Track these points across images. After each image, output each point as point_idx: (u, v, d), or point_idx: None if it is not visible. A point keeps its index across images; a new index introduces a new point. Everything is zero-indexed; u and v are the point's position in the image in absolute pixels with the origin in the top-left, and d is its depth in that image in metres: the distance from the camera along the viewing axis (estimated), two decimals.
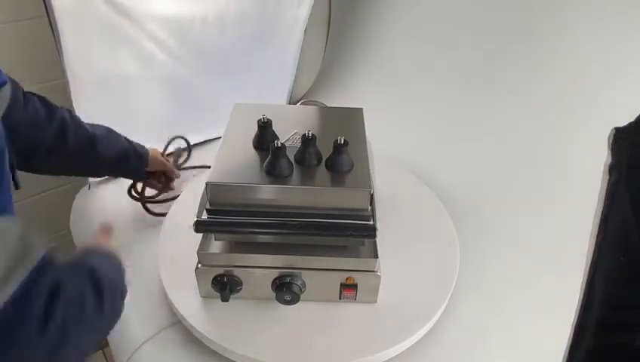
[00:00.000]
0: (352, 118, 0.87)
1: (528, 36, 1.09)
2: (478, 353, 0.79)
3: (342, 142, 0.72)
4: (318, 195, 0.71)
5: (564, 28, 1.04)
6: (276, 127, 0.79)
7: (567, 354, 0.42)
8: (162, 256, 0.86)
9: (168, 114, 1.15)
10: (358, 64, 1.41)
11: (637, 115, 0.36)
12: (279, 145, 0.70)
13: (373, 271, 0.75)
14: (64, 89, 0.94)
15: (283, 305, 0.76)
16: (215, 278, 0.75)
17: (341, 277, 0.75)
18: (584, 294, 0.40)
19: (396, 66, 1.35)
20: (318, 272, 0.75)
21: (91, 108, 0.99)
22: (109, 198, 1.08)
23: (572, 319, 0.41)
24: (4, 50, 1.05)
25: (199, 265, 0.75)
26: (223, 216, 0.71)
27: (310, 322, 0.77)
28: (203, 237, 0.77)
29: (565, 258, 0.75)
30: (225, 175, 0.72)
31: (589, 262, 0.39)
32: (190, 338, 0.77)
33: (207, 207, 0.71)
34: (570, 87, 1.04)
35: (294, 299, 0.74)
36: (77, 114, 0.97)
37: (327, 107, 0.88)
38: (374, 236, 0.69)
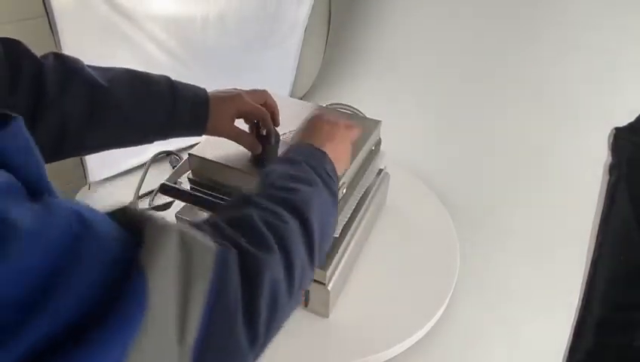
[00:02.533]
0: (364, 127, 0.83)
1: (529, 37, 1.09)
2: (478, 353, 0.79)
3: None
4: None
5: (566, 29, 1.04)
6: (283, 121, 0.80)
7: (567, 354, 0.42)
8: None
9: None
10: (358, 64, 1.41)
11: (637, 115, 0.36)
12: (264, 133, 0.70)
13: (323, 284, 0.72)
14: None
15: None
16: None
17: None
18: (584, 294, 0.40)
19: (396, 66, 1.35)
20: None
21: None
22: (110, 198, 1.08)
23: (572, 319, 0.41)
24: None
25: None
26: (198, 188, 0.74)
27: (310, 322, 0.77)
28: (185, 206, 0.80)
29: (565, 258, 0.75)
30: (206, 150, 0.74)
31: (589, 262, 0.39)
32: None
33: (190, 176, 0.75)
34: (571, 89, 1.04)
35: None
36: None
37: (345, 113, 0.87)
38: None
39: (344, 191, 0.71)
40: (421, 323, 0.76)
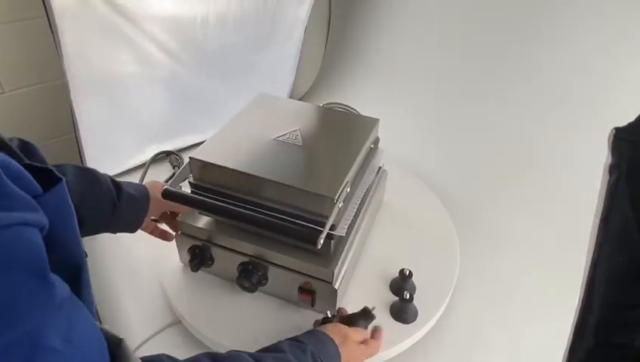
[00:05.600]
0: (363, 126, 0.85)
1: (528, 37, 1.09)
2: (478, 353, 0.79)
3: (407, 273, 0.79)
4: (283, 192, 0.69)
5: (565, 28, 1.04)
6: (281, 121, 0.81)
7: (567, 354, 0.42)
8: (163, 257, 0.86)
9: (168, 114, 1.15)
10: (358, 64, 1.41)
11: (637, 114, 0.36)
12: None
13: (330, 283, 0.72)
14: (64, 89, 0.94)
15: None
16: (190, 248, 0.79)
17: (299, 280, 0.74)
18: (584, 294, 0.40)
19: (396, 66, 1.35)
20: (279, 269, 0.75)
21: (91, 108, 0.99)
22: None
23: (572, 319, 0.41)
24: (4, 50, 1.04)
25: (179, 233, 0.80)
26: (199, 191, 0.74)
27: (311, 322, 0.77)
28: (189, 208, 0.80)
29: (565, 258, 0.75)
30: (209, 153, 0.73)
31: (589, 262, 0.39)
32: (190, 338, 0.77)
33: (190, 180, 0.75)
34: (570, 88, 1.04)
35: (251, 288, 0.76)
36: (77, 114, 0.97)
37: (343, 112, 0.86)
38: (315, 244, 0.64)
39: (347, 190, 0.71)
40: (421, 323, 0.77)
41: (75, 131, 1.01)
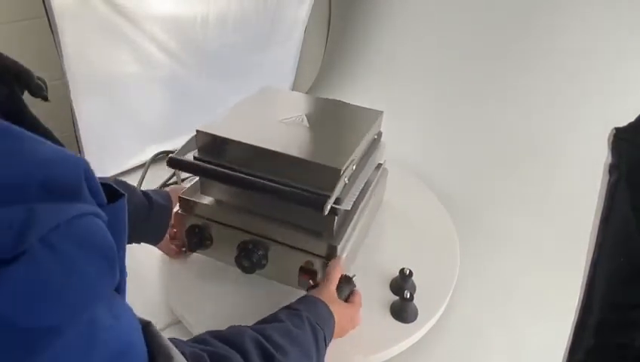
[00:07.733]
0: (367, 116, 0.85)
1: (528, 36, 1.09)
2: (478, 352, 0.79)
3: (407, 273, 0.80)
4: (289, 164, 0.68)
5: (564, 27, 1.04)
6: (287, 107, 0.82)
7: (567, 354, 0.42)
8: (162, 256, 0.86)
9: (168, 114, 1.15)
10: (358, 64, 1.41)
11: (637, 115, 0.36)
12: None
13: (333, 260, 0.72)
14: (64, 89, 0.94)
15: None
16: (190, 227, 0.78)
17: (301, 259, 0.73)
18: (584, 294, 0.40)
19: (396, 66, 1.35)
20: (281, 247, 0.74)
21: (91, 108, 0.99)
22: None
23: (572, 319, 0.41)
24: (4, 50, 1.05)
25: (178, 210, 0.78)
26: (202, 161, 0.73)
27: None
28: (190, 188, 0.80)
29: (565, 258, 0.75)
30: (215, 127, 0.73)
31: (589, 262, 0.39)
32: (190, 337, 0.77)
33: (195, 154, 0.75)
34: (570, 88, 1.04)
35: (250, 268, 0.74)
36: (77, 113, 0.97)
37: (345, 103, 0.87)
38: (322, 210, 0.63)
39: (354, 167, 0.71)
40: (421, 322, 0.77)
41: (75, 131, 1.01)
